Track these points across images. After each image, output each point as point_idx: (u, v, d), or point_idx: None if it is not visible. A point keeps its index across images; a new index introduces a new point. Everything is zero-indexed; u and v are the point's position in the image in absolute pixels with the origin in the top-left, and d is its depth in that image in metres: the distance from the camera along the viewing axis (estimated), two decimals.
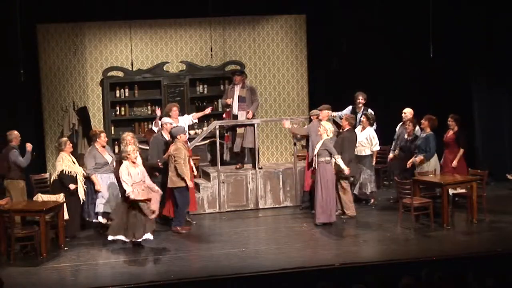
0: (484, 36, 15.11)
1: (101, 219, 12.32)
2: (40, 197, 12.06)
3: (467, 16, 15.20)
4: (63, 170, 11.98)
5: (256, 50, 16.30)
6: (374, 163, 13.89)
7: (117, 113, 15.75)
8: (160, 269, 10.57)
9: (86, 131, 15.38)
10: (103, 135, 12.55)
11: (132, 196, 11.21)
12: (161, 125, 13.01)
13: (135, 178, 11.35)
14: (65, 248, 11.59)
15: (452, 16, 15.22)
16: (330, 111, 13.47)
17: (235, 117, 13.97)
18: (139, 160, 11.68)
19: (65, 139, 12.54)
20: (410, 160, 13.12)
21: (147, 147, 14.98)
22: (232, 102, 14.06)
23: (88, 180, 12.24)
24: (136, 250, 11.47)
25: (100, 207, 12.25)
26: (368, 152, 13.69)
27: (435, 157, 13.13)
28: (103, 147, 12.52)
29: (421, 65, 15.19)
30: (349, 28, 15.58)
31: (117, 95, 15.70)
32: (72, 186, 11.95)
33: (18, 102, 14.88)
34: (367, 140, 13.64)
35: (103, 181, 12.31)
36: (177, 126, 12.79)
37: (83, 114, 15.47)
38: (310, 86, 16.46)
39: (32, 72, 14.93)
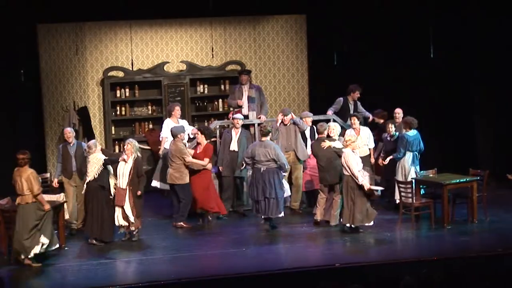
0: (484, 36, 15.09)
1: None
2: None
3: (467, 16, 15.20)
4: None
5: (256, 50, 16.30)
6: (373, 160, 13.80)
7: (118, 113, 15.74)
8: (160, 269, 10.58)
9: (86, 131, 15.38)
10: None
11: (368, 186, 11.55)
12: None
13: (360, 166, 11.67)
14: (65, 248, 11.60)
15: (452, 16, 15.21)
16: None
17: (246, 117, 13.95)
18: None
19: (94, 141, 12.17)
20: (387, 159, 13.02)
21: (148, 147, 15.02)
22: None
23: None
24: (136, 250, 11.48)
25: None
26: (367, 152, 13.61)
27: (410, 157, 12.81)
28: None
29: (421, 65, 15.18)
30: (349, 28, 15.57)
31: (118, 95, 15.70)
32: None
33: (18, 102, 14.87)
34: (367, 139, 13.57)
35: None
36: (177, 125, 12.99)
37: (84, 114, 15.46)
38: (310, 86, 16.47)
39: (32, 72, 14.95)
